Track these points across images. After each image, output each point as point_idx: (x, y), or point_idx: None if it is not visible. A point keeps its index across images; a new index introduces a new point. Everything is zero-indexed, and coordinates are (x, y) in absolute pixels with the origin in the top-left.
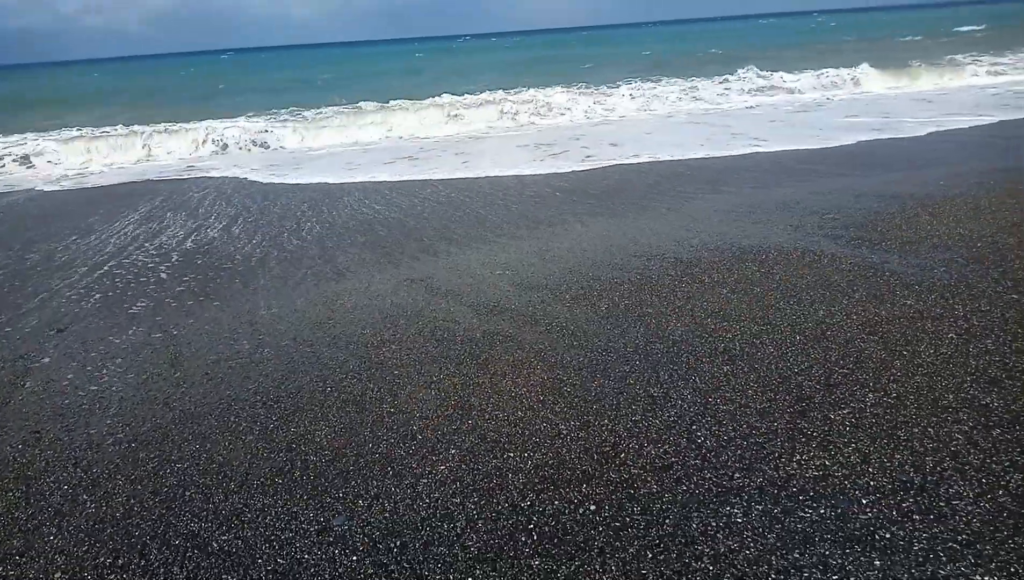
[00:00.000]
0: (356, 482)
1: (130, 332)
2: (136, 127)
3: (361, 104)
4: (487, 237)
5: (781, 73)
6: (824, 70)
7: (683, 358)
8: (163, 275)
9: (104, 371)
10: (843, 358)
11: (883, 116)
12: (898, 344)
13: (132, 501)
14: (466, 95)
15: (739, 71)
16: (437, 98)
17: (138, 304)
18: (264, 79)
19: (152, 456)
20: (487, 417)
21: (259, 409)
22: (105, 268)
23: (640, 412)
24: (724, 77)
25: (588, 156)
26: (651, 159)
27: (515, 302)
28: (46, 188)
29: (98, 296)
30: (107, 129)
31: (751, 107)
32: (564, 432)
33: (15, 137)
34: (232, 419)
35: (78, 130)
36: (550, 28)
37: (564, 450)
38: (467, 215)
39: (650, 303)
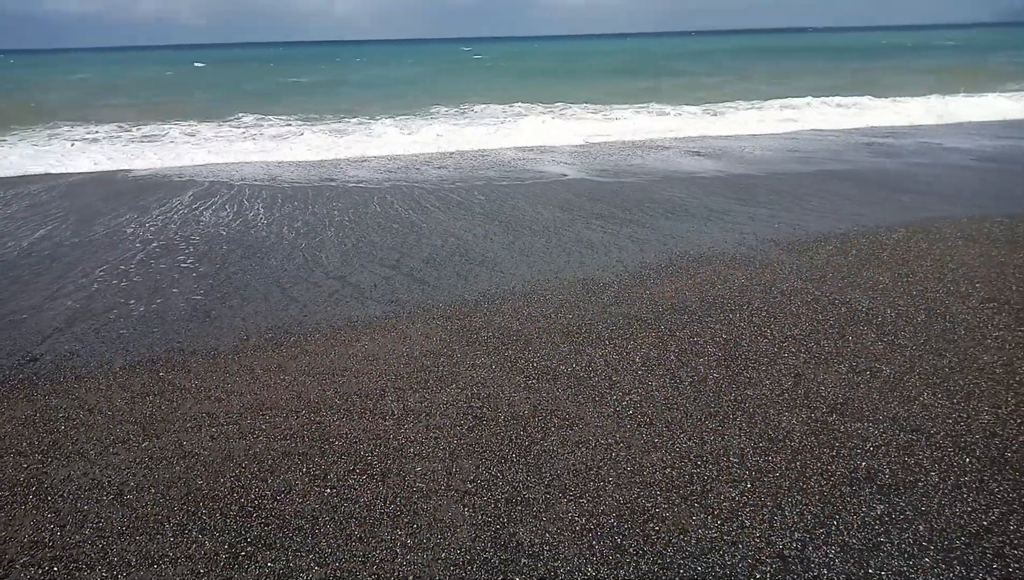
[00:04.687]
0: None
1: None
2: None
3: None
4: (527, 261)
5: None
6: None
7: (813, 482)
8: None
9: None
10: None
11: None
12: None
13: None
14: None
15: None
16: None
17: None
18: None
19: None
20: (540, 570)
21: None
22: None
23: None
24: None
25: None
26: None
27: (571, 362)
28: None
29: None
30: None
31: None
32: None
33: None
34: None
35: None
36: (600, 33)
37: None
38: (494, 227)
39: (747, 379)
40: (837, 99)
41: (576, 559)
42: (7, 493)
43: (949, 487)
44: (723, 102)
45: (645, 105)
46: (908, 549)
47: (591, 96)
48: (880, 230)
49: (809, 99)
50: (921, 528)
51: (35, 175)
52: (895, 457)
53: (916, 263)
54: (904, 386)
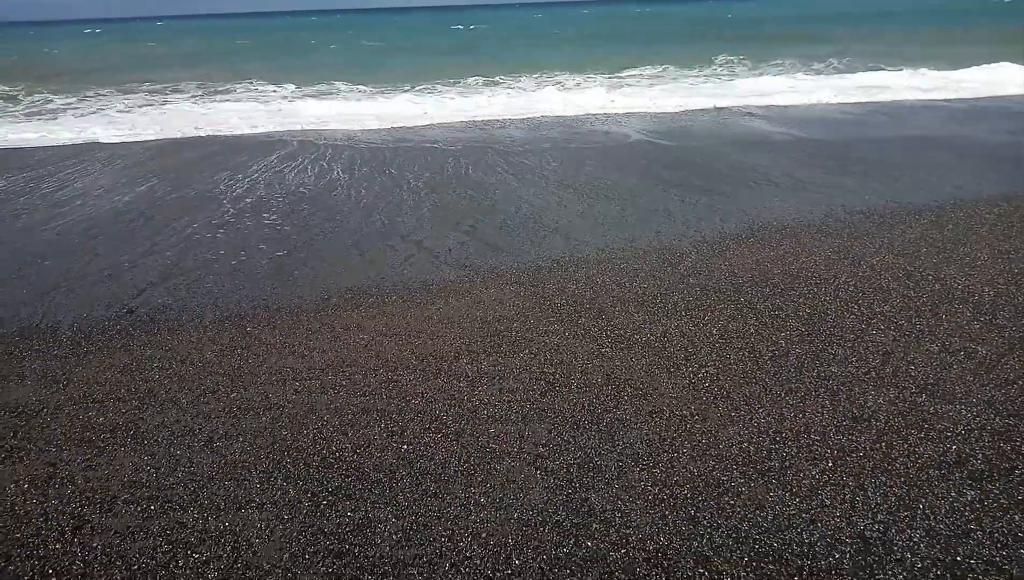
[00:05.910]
0: None
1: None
2: None
3: None
4: (601, 229)
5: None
6: None
7: (899, 463)
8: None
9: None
10: None
11: None
12: None
13: None
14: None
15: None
16: None
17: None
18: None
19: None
20: (613, 534)
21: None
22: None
23: (850, 564)
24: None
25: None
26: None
27: (645, 332)
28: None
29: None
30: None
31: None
32: None
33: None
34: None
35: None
36: None
37: None
38: (564, 195)
39: (831, 356)
40: (923, 69)
41: (648, 527)
42: (109, 435)
43: None
44: (795, 67)
45: (703, 70)
46: (1001, 539)
47: (652, 62)
48: (979, 203)
49: (885, 71)
50: (1017, 518)
51: (117, 143)
52: (989, 442)
53: (1019, 239)
54: (1002, 368)
